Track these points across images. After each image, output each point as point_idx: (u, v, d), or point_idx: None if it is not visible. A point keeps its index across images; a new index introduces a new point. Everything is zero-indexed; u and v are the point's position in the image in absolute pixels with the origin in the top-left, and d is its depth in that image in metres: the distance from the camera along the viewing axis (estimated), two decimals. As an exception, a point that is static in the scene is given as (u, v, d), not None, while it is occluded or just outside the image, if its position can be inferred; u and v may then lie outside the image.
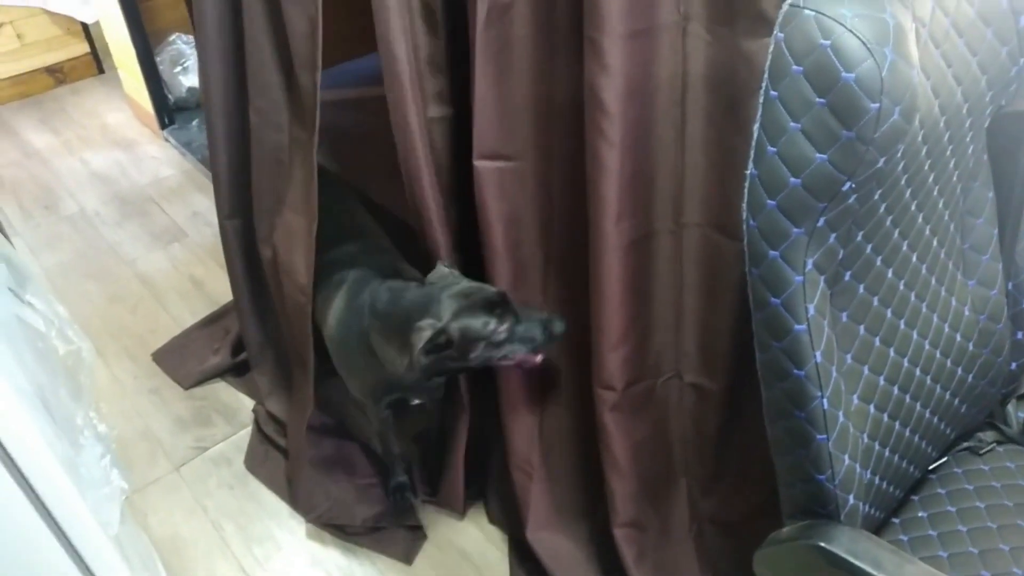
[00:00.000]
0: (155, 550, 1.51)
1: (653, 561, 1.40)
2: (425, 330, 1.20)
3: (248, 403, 1.87)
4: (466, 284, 1.27)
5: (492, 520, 1.63)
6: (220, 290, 2.20)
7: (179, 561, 1.56)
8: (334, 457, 1.70)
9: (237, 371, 1.95)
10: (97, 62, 3.41)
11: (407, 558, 1.55)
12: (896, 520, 1.05)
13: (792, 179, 0.74)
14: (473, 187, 1.28)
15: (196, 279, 2.28)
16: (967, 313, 1.03)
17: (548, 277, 1.34)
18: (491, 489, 1.64)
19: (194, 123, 2.94)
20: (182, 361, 1.99)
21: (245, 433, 1.81)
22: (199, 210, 2.57)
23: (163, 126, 2.95)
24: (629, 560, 1.37)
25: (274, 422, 1.77)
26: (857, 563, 0.80)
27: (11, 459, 0.88)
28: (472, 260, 1.43)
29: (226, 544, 1.59)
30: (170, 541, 1.59)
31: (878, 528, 1.03)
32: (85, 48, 3.36)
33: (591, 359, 1.27)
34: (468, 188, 1.36)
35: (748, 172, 0.77)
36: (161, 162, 2.85)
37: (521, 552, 1.55)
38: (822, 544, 0.82)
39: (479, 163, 1.22)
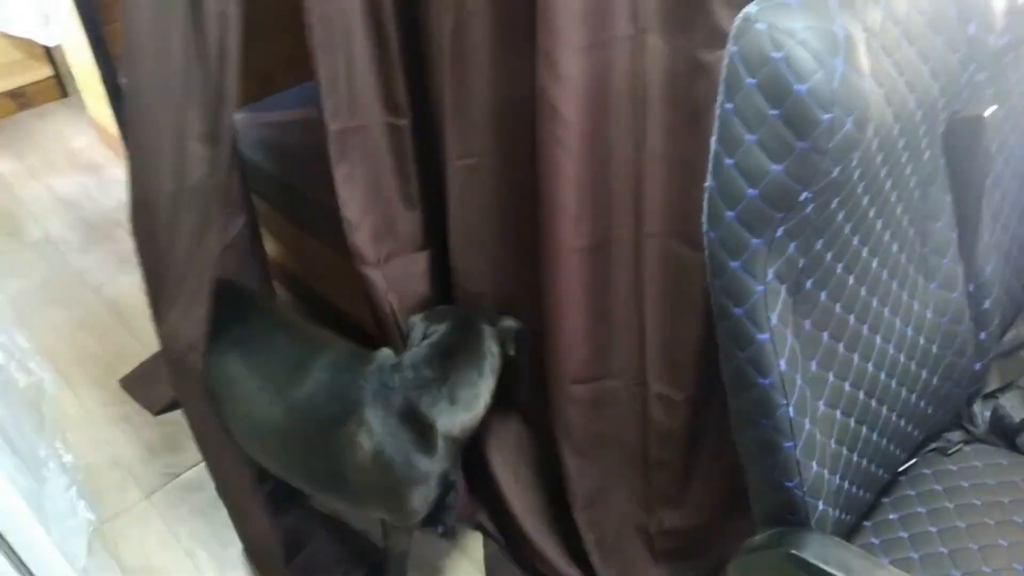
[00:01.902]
0: (126, 581, 1.49)
1: (613, 551, 1.42)
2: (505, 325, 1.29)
3: (220, 427, 1.85)
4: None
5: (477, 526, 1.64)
6: (189, 313, 2.18)
7: (152, 591, 1.53)
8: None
9: (208, 395, 1.92)
10: (61, 86, 3.37)
11: None
12: (868, 523, 1.06)
13: (749, 190, 0.75)
14: (435, 189, 1.32)
15: (165, 303, 2.25)
16: (930, 316, 1.05)
17: (521, 270, 1.36)
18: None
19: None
20: (151, 386, 1.96)
21: (217, 458, 1.78)
22: (167, 233, 2.55)
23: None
24: (590, 544, 1.40)
25: None
26: (828, 569, 0.80)
27: (-29, 495, 0.87)
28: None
29: (199, 572, 1.57)
30: (142, 571, 1.57)
31: (850, 532, 1.03)
32: (48, 72, 3.32)
33: (551, 352, 1.30)
34: (433, 190, 1.41)
35: (706, 184, 0.78)
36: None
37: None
38: (793, 551, 0.83)
39: (455, 163, 1.27)
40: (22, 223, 2.64)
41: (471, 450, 1.60)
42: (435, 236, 1.46)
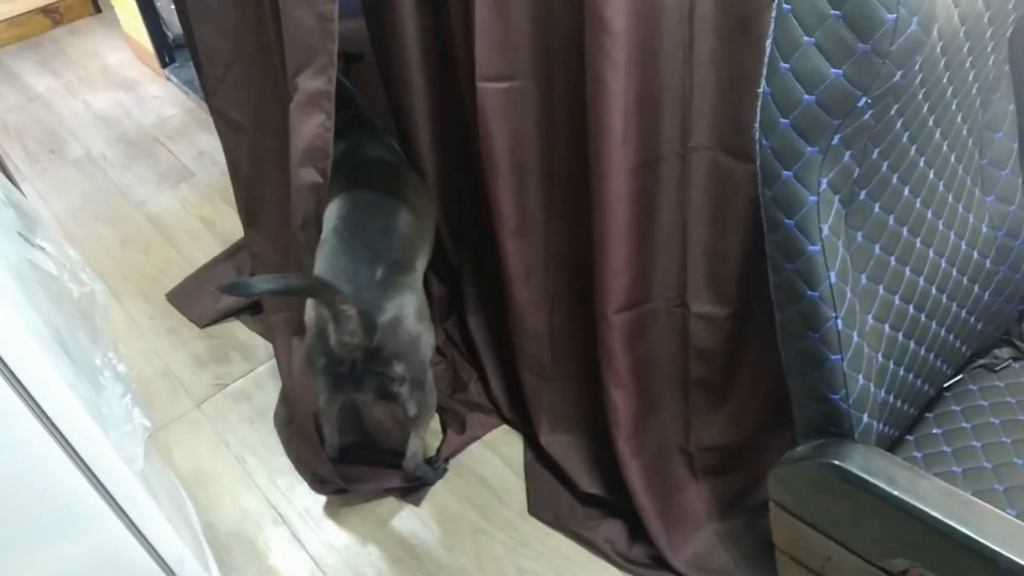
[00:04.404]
0: (181, 484, 1.55)
1: (655, 474, 1.43)
2: None
3: (264, 341, 1.89)
4: None
5: (506, 420, 1.68)
6: (230, 229, 2.20)
7: (205, 494, 1.60)
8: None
9: (251, 310, 1.96)
10: (94, 1, 3.34)
11: (416, 501, 1.57)
12: (911, 437, 1.06)
13: (806, 96, 0.72)
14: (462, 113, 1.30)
15: (206, 219, 2.28)
16: (984, 230, 1.02)
17: (552, 200, 1.34)
18: (499, 389, 1.69)
19: (194, 61, 2.89)
20: (197, 300, 2.01)
21: (263, 369, 1.83)
22: (205, 149, 2.55)
23: (164, 64, 2.90)
24: (633, 472, 1.40)
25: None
26: (871, 480, 0.80)
27: (35, 401, 0.90)
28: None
29: (250, 477, 1.63)
30: (195, 475, 1.63)
31: (892, 446, 1.03)
32: (81, -13, 3.30)
33: (594, 281, 1.27)
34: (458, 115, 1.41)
35: (760, 90, 0.75)
36: (164, 101, 2.82)
37: (537, 451, 1.60)
38: (836, 462, 0.83)
39: (482, 85, 1.21)
40: (63, 140, 2.66)
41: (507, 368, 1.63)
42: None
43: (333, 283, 1.20)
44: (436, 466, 1.59)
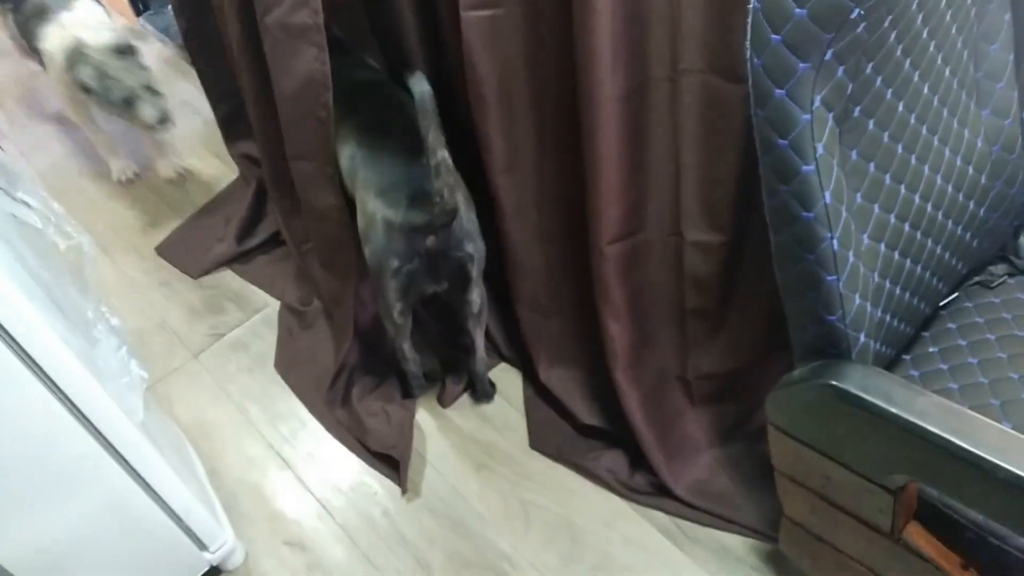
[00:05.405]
0: (184, 435, 1.56)
1: (654, 404, 1.44)
2: None
3: (258, 289, 1.89)
4: None
5: (504, 358, 1.69)
6: (216, 178, 2.18)
7: (208, 444, 1.61)
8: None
9: (243, 259, 1.95)
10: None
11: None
12: (907, 356, 1.06)
13: (797, 10, 0.70)
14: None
15: (191, 168, 2.25)
16: (980, 144, 1.00)
17: (543, 132, 1.32)
18: (496, 328, 1.69)
19: (170, 8, 2.81)
20: (188, 252, 1.99)
21: (259, 318, 1.83)
22: (186, 98, 2.50)
23: (138, 12, 2.83)
24: (632, 403, 1.41)
25: (297, 315, 1.80)
26: (869, 398, 0.81)
27: (30, 357, 0.90)
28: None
29: (252, 424, 1.64)
30: (198, 426, 1.64)
31: (889, 365, 1.04)
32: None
33: (587, 213, 1.26)
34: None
35: (750, 6, 0.73)
36: (140, 51, 2.75)
37: (536, 386, 1.61)
38: (834, 382, 0.83)
39: (466, 14, 1.18)
40: (42, 96, 2.61)
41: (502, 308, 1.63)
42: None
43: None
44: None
